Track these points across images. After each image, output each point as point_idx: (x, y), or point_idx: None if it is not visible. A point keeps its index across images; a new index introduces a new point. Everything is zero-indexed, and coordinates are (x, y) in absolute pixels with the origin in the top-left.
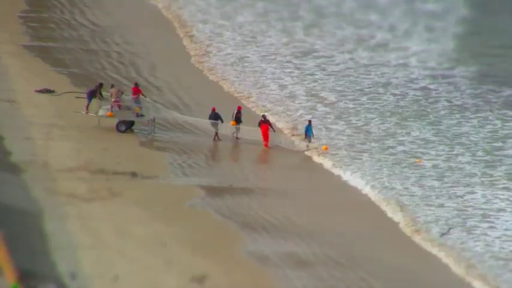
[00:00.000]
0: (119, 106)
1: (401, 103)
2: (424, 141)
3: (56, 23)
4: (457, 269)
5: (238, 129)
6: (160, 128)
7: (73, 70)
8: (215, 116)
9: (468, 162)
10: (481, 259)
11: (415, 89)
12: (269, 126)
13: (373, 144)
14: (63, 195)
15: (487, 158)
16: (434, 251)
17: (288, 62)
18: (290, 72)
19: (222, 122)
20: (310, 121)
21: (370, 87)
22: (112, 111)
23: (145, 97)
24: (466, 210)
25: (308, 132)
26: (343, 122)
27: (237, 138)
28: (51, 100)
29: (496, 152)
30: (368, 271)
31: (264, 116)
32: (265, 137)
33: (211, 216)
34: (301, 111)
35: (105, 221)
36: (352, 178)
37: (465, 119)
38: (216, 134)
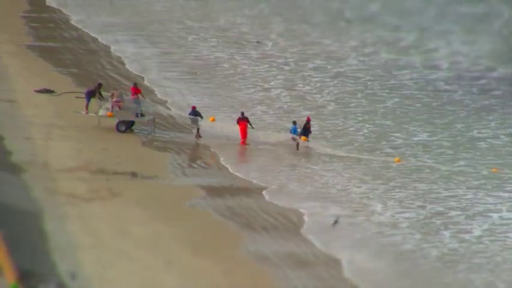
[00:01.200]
0: (119, 106)
1: (408, 105)
2: (420, 144)
3: (56, 23)
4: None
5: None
6: (160, 128)
7: (75, 70)
8: (195, 114)
9: (468, 165)
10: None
11: (431, 91)
12: (248, 124)
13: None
14: (63, 195)
15: (478, 159)
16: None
17: (285, 64)
18: (283, 74)
19: (202, 118)
20: (295, 121)
21: (372, 89)
22: (112, 111)
23: (144, 97)
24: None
25: (295, 131)
26: (321, 123)
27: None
28: (51, 100)
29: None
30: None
31: (242, 113)
32: (244, 134)
33: (211, 216)
34: (272, 112)
35: (105, 221)
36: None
37: (481, 121)
38: (198, 131)
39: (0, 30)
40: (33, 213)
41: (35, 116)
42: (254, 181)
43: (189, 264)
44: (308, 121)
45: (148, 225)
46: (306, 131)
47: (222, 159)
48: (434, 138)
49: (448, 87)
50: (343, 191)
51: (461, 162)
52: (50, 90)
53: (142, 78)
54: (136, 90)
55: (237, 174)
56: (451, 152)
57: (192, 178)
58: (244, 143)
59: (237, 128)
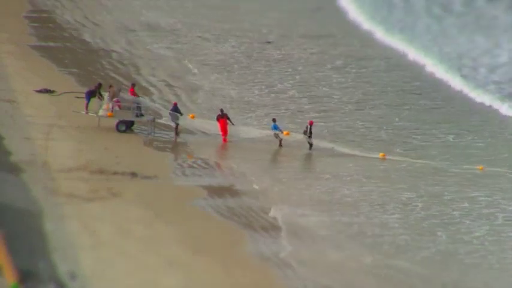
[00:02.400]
0: (119, 106)
1: (438, 107)
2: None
3: (57, 23)
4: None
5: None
6: (160, 128)
7: (77, 70)
8: (175, 111)
9: (490, 166)
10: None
11: (467, 92)
12: (227, 120)
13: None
14: (63, 195)
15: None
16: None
17: (303, 65)
18: (299, 75)
19: (182, 114)
20: (274, 119)
21: (398, 91)
22: (112, 111)
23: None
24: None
25: (275, 128)
26: (330, 124)
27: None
28: (51, 100)
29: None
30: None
31: (221, 110)
32: (224, 131)
33: (211, 216)
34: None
35: (105, 221)
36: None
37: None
38: (176, 127)
39: (0, 30)
40: (33, 213)
41: (35, 116)
42: (228, 181)
43: (190, 264)
44: (311, 124)
45: (148, 225)
46: (311, 134)
47: (197, 157)
48: (460, 140)
49: (489, 87)
50: (336, 192)
51: (483, 164)
52: (50, 90)
53: (141, 77)
54: (132, 91)
55: (214, 173)
56: (478, 154)
57: (192, 178)
58: (225, 140)
59: (217, 124)
